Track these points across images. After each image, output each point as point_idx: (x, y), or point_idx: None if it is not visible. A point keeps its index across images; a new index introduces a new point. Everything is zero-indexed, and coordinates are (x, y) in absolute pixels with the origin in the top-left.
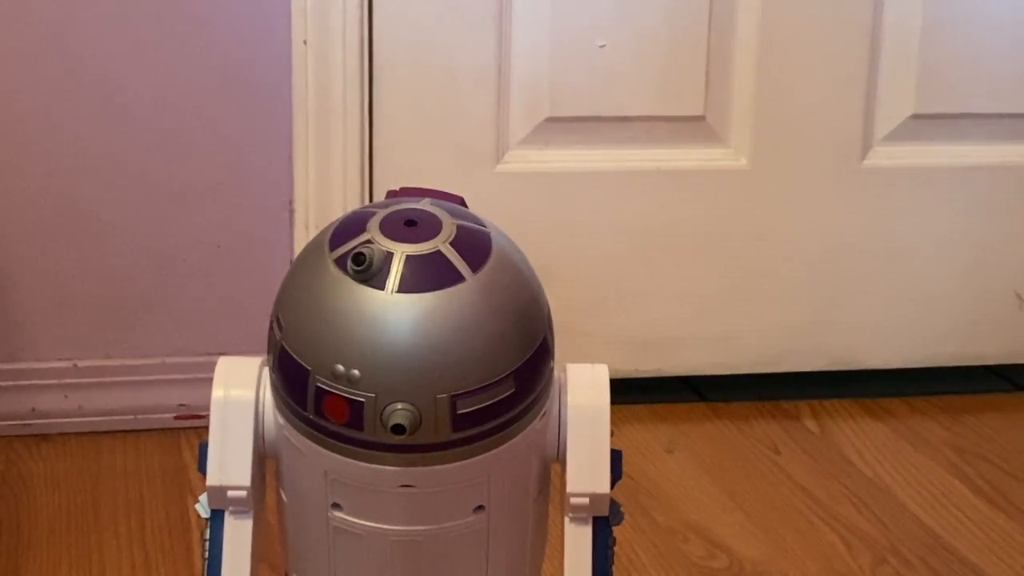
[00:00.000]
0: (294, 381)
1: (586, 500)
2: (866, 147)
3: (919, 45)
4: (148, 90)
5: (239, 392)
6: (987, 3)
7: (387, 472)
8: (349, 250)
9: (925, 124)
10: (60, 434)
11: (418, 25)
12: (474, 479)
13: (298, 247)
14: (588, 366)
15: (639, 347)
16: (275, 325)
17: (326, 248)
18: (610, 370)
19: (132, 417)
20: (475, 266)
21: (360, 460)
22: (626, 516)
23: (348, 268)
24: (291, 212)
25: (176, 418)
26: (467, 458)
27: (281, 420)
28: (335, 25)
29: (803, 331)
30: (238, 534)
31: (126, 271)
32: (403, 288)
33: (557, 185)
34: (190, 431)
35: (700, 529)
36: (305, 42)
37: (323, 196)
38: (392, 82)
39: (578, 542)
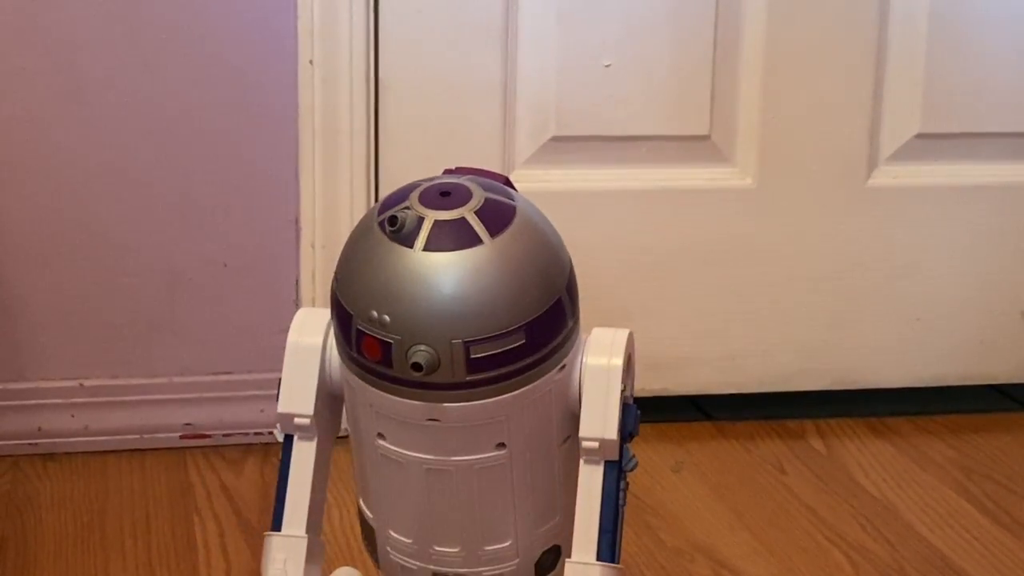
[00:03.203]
0: (343, 324)
1: (596, 444)
2: (871, 166)
3: (924, 65)
4: (155, 109)
5: (309, 338)
6: (992, 23)
7: (414, 406)
8: (390, 214)
9: (930, 143)
10: (66, 453)
11: (424, 45)
12: (493, 418)
13: (304, 265)
14: (611, 330)
15: (645, 366)
16: (335, 277)
17: (375, 212)
18: None
19: (138, 436)
20: (494, 232)
21: (392, 395)
22: (633, 536)
23: (385, 229)
24: (297, 231)
25: (182, 437)
26: (483, 399)
27: (341, 360)
28: (341, 45)
29: (809, 350)
30: (303, 454)
31: (133, 290)
32: (429, 247)
33: (563, 204)
34: (196, 451)
35: (706, 549)
36: (311, 61)
37: (329, 215)
38: (398, 101)
39: (590, 480)
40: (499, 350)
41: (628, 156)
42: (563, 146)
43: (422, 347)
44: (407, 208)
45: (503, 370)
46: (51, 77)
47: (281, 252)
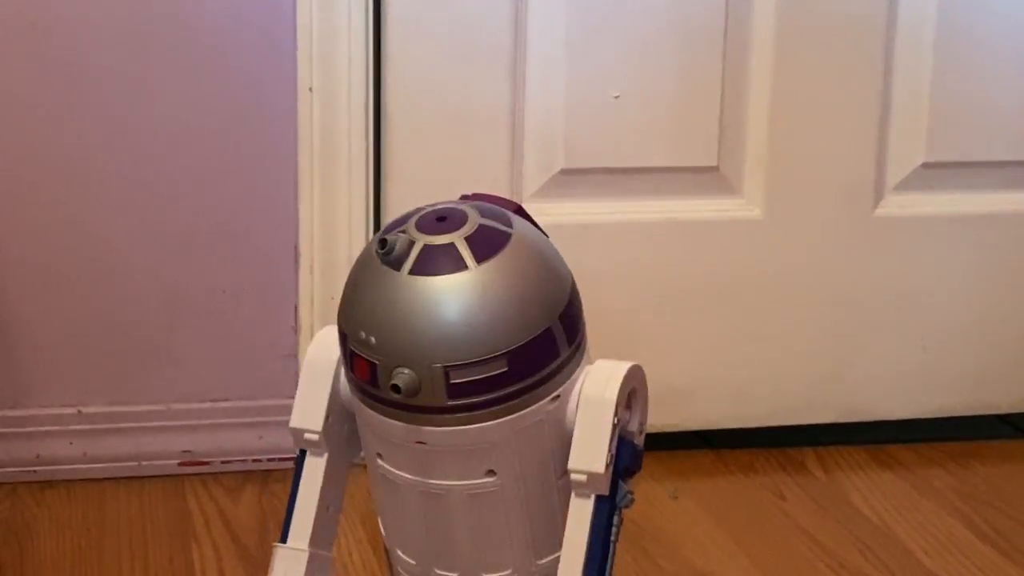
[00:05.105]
0: (342, 344)
1: (584, 477)
2: (878, 196)
3: (930, 94)
4: (155, 136)
5: (326, 354)
6: (997, 53)
7: (402, 428)
8: (380, 237)
9: (936, 173)
10: (64, 481)
11: (429, 73)
12: (478, 444)
13: (303, 292)
14: (612, 362)
15: (652, 400)
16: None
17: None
18: None
19: (136, 464)
20: (481, 258)
21: (381, 415)
22: (631, 562)
23: (377, 252)
24: (296, 257)
25: (180, 464)
26: (467, 424)
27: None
28: (340, 72)
29: (817, 382)
30: (312, 469)
31: (131, 317)
32: (415, 271)
33: (571, 237)
34: (194, 478)
35: (705, 575)
36: (311, 88)
37: (328, 241)
38: (403, 132)
39: (578, 514)
40: (479, 376)
41: (637, 188)
42: (572, 179)
43: (404, 370)
44: (402, 232)
45: (485, 396)
46: (50, 101)
47: (280, 278)
